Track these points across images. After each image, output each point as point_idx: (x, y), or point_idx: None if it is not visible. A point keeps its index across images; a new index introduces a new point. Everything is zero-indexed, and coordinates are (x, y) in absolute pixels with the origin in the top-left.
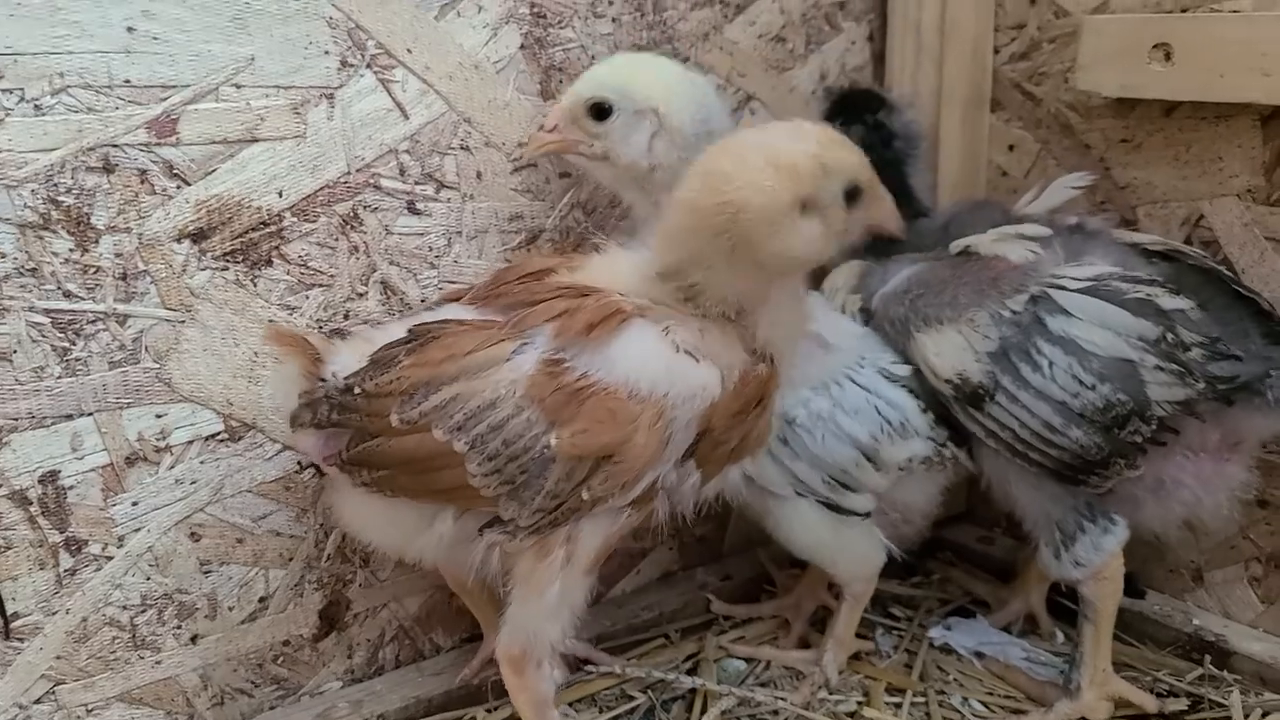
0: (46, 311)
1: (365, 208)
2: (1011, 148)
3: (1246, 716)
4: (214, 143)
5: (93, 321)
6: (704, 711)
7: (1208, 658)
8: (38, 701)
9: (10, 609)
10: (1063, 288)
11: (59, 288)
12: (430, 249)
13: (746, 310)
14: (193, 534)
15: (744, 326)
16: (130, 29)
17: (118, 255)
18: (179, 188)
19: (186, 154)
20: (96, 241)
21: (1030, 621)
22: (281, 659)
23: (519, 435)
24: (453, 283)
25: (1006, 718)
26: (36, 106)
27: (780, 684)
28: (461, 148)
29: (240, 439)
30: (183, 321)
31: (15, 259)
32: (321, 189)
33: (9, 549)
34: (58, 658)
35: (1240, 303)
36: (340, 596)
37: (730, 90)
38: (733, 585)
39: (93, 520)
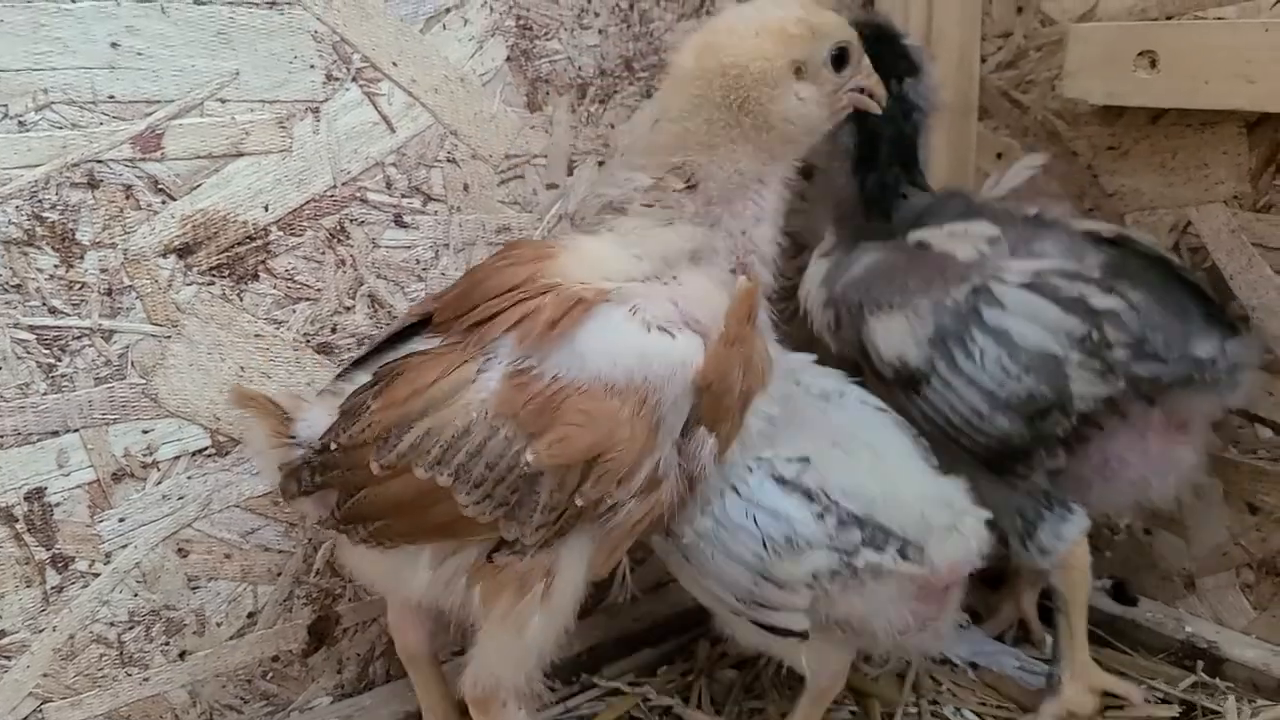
0: (31, 328)
1: (352, 221)
2: (999, 155)
3: None
4: (199, 157)
5: (78, 337)
6: None
7: (1200, 665)
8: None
9: None
10: (1003, 281)
11: (44, 304)
12: (418, 262)
13: (736, 202)
14: (180, 550)
15: (728, 233)
16: (114, 45)
17: (103, 271)
18: (164, 203)
19: (171, 169)
20: (81, 257)
21: (1023, 629)
22: (271, 675)
23: (499, 455)
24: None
25: None
26: (20, 123)
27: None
28: (448, 160)
29: (227, 454)
30: (169, 337)
31: (0, 275)
32: (308, 203)
33: None
34: (45, 675)
35: (1184, 286)
36: (329, 611)
37: None
38: None
39: (79, 537)
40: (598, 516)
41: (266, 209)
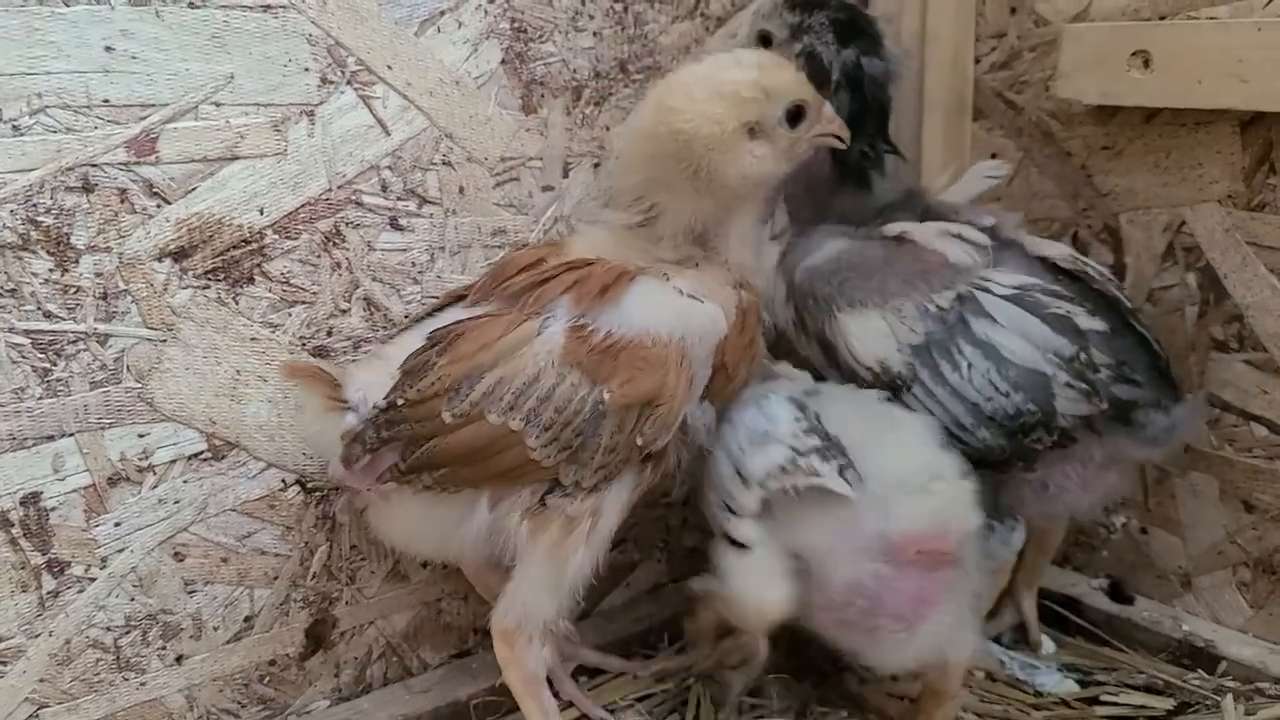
0: (27, 332)
1: (347, 224)
2: (994, 156)
3: None
4: (194, 161)
5: (73, 341)
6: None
7: (1197, 663)
8: None
9: None
10: (989, 291)
11: (39, 308)
12: (413, 265)
13: (710, 233)
14: (177, 554)
15: (714, 253)
16: (108, 48)
17: (98, 275)
18: (159, 206)
19: (166, 172)
20: (76, 261)
21: (1020, 631)
22: (268, 679)
23: (568, 400)
24: (435, 298)
25: None
26: (15, 127)
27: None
28: (444, 163)
29: (223, 458)
30: (164, 340)
31: None
32: (303, 206)
33: None
34: (41, 681)
35: (1131, 333)
36: (326, 615)
37: None
38: None
39: (75, 541)
40: (644, 460)
41: (262, 212)
